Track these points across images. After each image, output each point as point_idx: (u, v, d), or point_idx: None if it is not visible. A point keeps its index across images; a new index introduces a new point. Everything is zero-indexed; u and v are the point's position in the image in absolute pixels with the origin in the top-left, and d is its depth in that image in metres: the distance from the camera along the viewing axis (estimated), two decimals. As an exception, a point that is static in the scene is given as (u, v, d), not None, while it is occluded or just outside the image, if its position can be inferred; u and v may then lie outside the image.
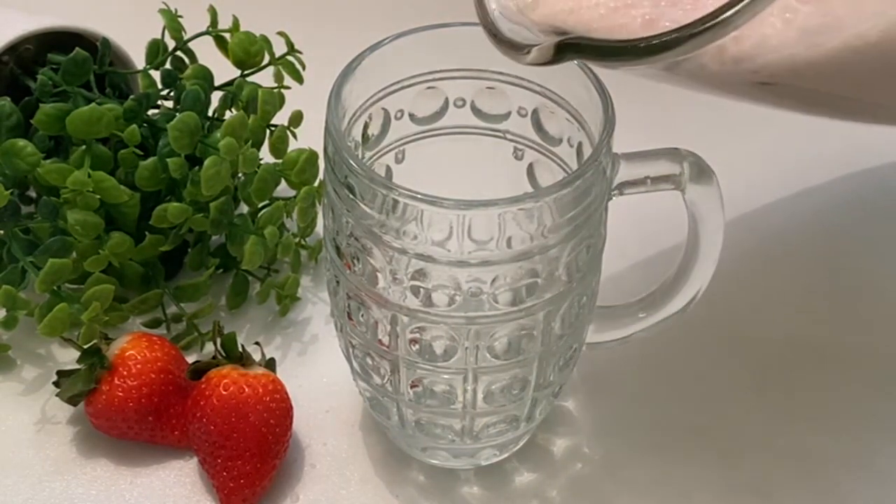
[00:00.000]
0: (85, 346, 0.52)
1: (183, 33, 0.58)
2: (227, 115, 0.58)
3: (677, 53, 0.37)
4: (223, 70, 0.58)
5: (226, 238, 0.56)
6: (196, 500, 0.51)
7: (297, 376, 0.54)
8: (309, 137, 0.56)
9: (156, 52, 0.58)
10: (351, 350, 0.49)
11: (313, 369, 0.55)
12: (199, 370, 0.51)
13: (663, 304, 0.50)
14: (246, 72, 0.58)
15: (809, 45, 0.39)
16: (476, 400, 0.48)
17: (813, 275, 0.60)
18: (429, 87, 0.49)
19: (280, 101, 0.58)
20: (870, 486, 0.52)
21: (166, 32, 0.58)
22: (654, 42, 0.37)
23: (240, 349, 0.51)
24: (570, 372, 0.50)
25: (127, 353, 0.51)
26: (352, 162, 0.43)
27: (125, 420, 0.51)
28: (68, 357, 0.54)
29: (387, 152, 0.50)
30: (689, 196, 0.47)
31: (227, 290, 0.58)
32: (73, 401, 0.51)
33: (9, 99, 0.55)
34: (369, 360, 0.48)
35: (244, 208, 0.57)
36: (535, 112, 0.49)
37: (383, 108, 0.49)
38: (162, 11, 0.58)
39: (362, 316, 0.46)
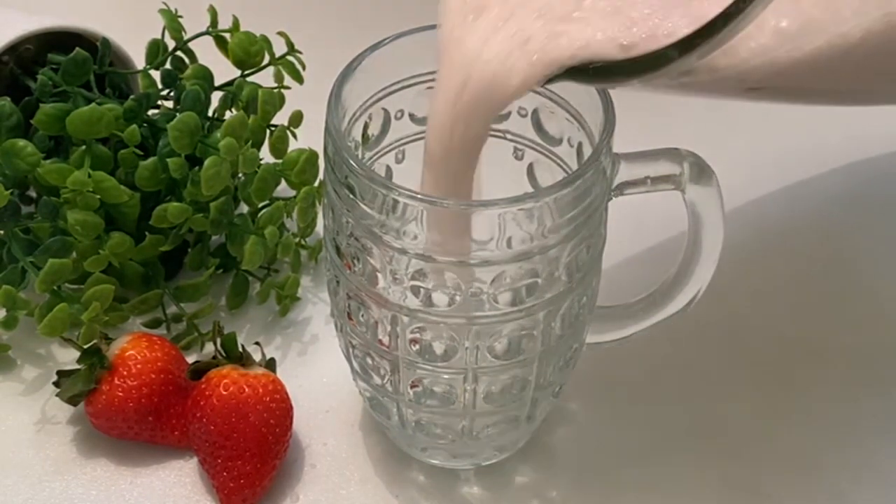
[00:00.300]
0: (85, 346, 0.52)
1: (183, 33, 0.58)
2: (227, 115, 0.58)
3: (667, 72, 0.37)
4: (223, 70, 0.58)
5: (226, 238, 0.56)
6: (196, 500, 0.51)
7: (297, 376, 0.54)
8: (309, 137, 0.56)
9: (156, 52, 0.58)
10: (351, 350, 0.49)
11: (313, 369, 0.55)
12: (199, 370, 0.51)
13: (663, 304, 0.50)
14: (246, 72, 0.58)
15: (791, 48, 0.39)
16: (476, 400, 0.48)
17: (814, 274, 0.60)
18: (429, 87, 0.48)
19: (280, 101, 0.58)
20: (870, 487, 0.52)
21: (166, 32, 0.58)
22: (638, 61, 0.37)
23: (240, 349, 0.51)
24: (570, 372, 0.50)
25: (127, 353, 0.51)
26: (352, 162, 0.43)
27: (125, 420, 0.51)
28: (68, 357, 0.54)
29: (387, 152, 0.50)
30: (689, 196, 0.47)
31: (227, 290, 0.58)
32: (73, 401, 0.51)
33: (9, 99, 0.55)
34: (369, 360, 0.48)
35: (244, 208, 0.57)
36: (535, 112, 0.49)
37: (383, 108, 0.49)
38: (162, 11, 0.58)
39: (362, 316, 0.46)
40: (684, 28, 0.36)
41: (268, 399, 0.50)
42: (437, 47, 0.43)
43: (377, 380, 0.48)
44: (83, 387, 0.51)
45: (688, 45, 0.36)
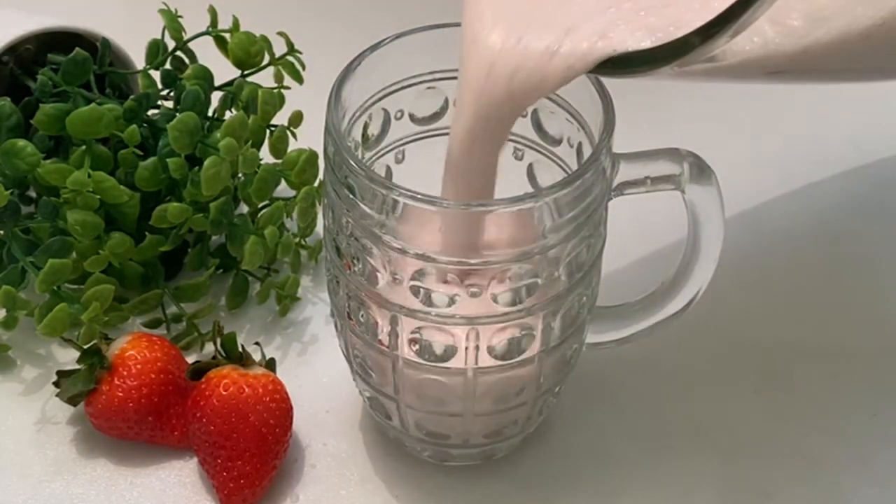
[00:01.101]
0: (85, 346, 0.52)
1: (183, 33, 0.58)
2: (227, 115, 0.58)
3: (691, 59, 0.37)
4: (223, 70, 0.58)
5: (226, 238, 0.56)
6: (196, 500, 0.51)
7: (297, 376, 0.54)
8: (309, 137, 0.56)
9: (156, 52, 0.58)
10: (351, 350, 0.49)
11: (313, 369, 0.55)
12: (199, 370, 0.51)
13: (663, 304, 0.50)
14: (246, 72, 0.58)
15: (807, 34, 0.39)
16: (476, 400, 0.47)
17: (813, 274, 0.60)
18: (429, 87, 0.49)
19: (280, 101, 0.58)
20: (870, 486, 0.52)
21: (166, 32, 0.58)
22: (663, 49, 0.37)
23: (240, 349, 0.51)
24: (570, 372, 0.50)
25: (127, 353, 0.51)
26: (352, 162, 0.43)
27: (125, 420, 0.51)
28: (68, 357, 0.54)
29: (387, 152, 0.50)
30: (689, 196, 0.47)
31: (227, 290, 0.58)
32: (73, 401, 0.51)
33: (9, 99, 0.55)
34: (369, 360, 0.48)
35: (244, 208, 0.57)
36: (535, 112, 0.49)
37: (383, 109, 0.49)
38: (162, 11, 0.58)
39: (362, 316, 0.46)
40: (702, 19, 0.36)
41: (268, 399, 0.50)
42: (461, 44, 0.42)
43: (377, 380, 0.48)
44: (83, 387, 0.51)
45: (709, 31, 0.36)
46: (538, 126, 0.49)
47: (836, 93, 0.64)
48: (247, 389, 0.50)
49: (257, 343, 0.53)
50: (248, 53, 0.58)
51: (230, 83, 0.58)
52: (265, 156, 0.57)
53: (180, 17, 0.58)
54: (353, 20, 0.71)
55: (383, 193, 0.43)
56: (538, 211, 0.43)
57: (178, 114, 0.54)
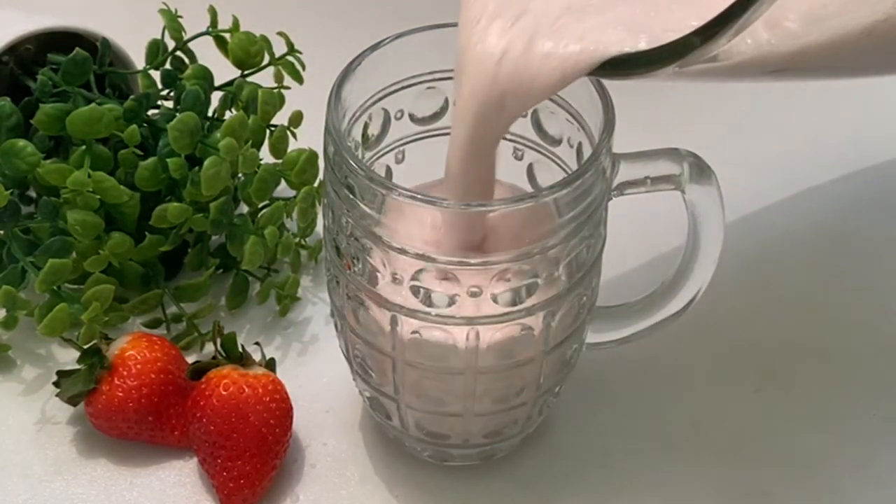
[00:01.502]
0: (85, 346, 0.52)
1: (183, 33, 0.58)
2: (227, 115, 0.58)
3: (691, 60, 0.37)
4: (223, 70, 0.58)
5: (226, 238, 0.56)
6: (196, 500, 0.51)
7: (297, 376, 0.54)
8: (309, 137, 0.56)
9: (156, 52, 0.58)
10: (351, 350, 0.49)
11: (313, 369, 0.55)
12: (199, 370, 0.51)
13: (663, 304, 0.50)
14: (246, 72, 0.58)
15: (806, 33, 0.39)
16: (475, 400, 0.47)
17: (813, 274, 0.60)
18: (429, 87, 0.49)
19: (280, 101, 0.58)
20: (870, 486, 0.52)
21: (166, 32, 0.58)
22: (663, 50, 0.37)
23: (240, 349, 0.51)
24: (570, 372, 0.50)
25: (127, 353, 0.51)
26: (352, 162, 0.43)
27: (125, 420, 0.51)
28: (68, 357, 0.54)
29: (387, 152, 0.50)
30: (689, 196, 0.47)
31: (227, 290, 0.58)
32: (73, 401, 0.51)
33: (9, 99, 0.55)
34: (369, 360, 0.48)
35: (244, 208, 0.57)
36: (534, 112, 0.49)
37: (383, 109, 0.49)
38: (162, 11, 0.58)
39: (362, 316, 0.46)
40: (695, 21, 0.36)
41: (268, 399, 0.50)
42: (458, 50, 0.42)
43: (377, 380, 0.48)
44: (83, 387, 0.51)
45: (709, 31, 0.36)
46: (538, 126, 0.49)
47: (835, 93, 0.64)
48: (247, 389, 0.50)
49: (257, 343, 0.53)
50: (248, 53, 0.58)
51: (230, 83, 0.58)
52: (265, 156, 0.57)
53: (180, 17, 0.58)
54: (353, 20, 0.71)
55: (383, 193, 0.43)
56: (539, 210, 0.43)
57: (178, 114, 0.54)
